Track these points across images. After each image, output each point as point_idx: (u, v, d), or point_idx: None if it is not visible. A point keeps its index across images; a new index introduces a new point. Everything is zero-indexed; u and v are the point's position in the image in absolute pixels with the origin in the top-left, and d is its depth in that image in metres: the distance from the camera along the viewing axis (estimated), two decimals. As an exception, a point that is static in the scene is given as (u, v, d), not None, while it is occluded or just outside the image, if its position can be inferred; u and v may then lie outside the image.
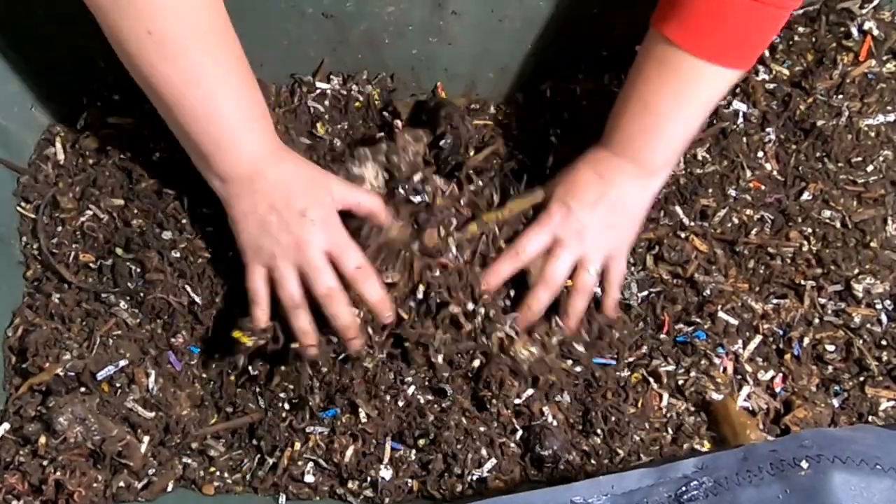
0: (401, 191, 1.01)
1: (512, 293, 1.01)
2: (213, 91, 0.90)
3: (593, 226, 0.98)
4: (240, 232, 0.96)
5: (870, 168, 1.06)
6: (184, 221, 1.04)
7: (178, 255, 1.02)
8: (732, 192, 1.07)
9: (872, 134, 1.07)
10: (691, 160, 1.09)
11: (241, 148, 0.93)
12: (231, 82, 0.91)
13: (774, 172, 1.08)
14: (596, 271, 0.99)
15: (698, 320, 1.00)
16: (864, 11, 1.11)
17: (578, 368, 1.00)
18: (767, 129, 1.09)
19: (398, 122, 1.12)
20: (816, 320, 1.00)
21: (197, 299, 1.01)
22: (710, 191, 1.07)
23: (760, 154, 1.09)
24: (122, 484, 0.92)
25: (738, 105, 1.10)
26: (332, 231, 0.95)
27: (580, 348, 1.00)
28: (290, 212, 0.93)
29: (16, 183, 1.06)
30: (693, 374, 0.98)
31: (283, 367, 0.99)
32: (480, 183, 1.06)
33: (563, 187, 1.01)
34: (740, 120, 1.10)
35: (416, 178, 1.02)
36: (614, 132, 0.99)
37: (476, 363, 0.97)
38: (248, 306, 0.96)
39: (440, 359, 0.97)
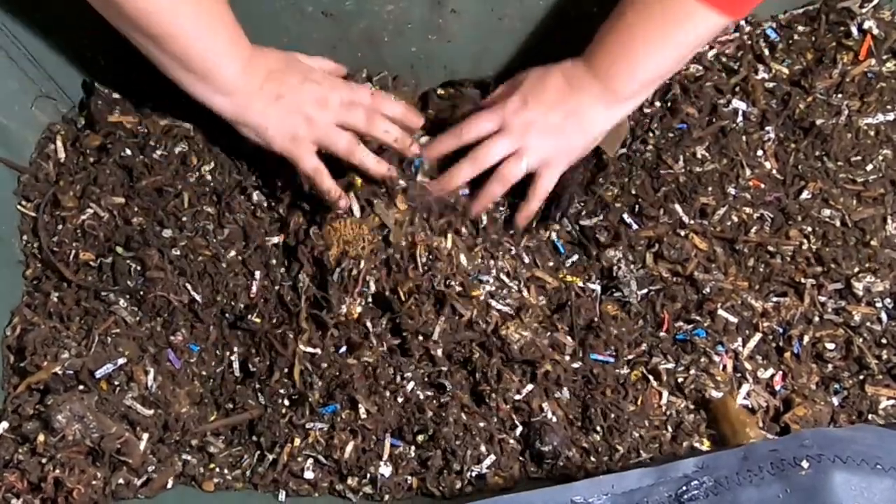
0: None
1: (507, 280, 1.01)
2: (197, 8, 0.93)
3: (542, 125, 1.01)
4: (269, 134, 1.00)
5: (869, 167, 1.06)
6: (184, 219, 1.04)
7: (178, 252, 1.02)
8: (732, 191, 1.07)
9: (872, 133, 1.07)
10: (691, 158, 1.09)
11: (235, 52, 0.98)
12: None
13: (774, 171, 1.08)
14: (525, 167, 1.02)
15: (698, 318, 1.01)
16: (863, 10, 1.11)
17: (576, 365, 1.00)
18: (767, 128, 1.09)
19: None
20: (816, 318, 1.00)
21: (197, 297, 1.01)
22: (710, 189, 1.07)
23: (760, 153, 1.09)
24: (121, 481, 0.92)
25: (738, 104, 1.10)
26: (332, 81, 1.04)
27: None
28: (296, 87, 1.00)
29: (16, 181, 1.06)
30: (693, 371, 0.98)
31: (282, 366, 1.00)
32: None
33: (529, 83, 1.03)
34: (740, 118, 1.10)
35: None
36: (595, 50, 1.01)
37: (476, 355, 0.98)
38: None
39: (439, 351, 0.97)
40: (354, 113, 1.02)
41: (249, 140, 1.02)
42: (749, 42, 1.15)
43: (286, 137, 1.00)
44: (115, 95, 1.12)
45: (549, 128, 1.01)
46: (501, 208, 1.10)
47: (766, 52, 1.14)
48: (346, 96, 1.03)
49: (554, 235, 1.09)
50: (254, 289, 1.03)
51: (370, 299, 1.00)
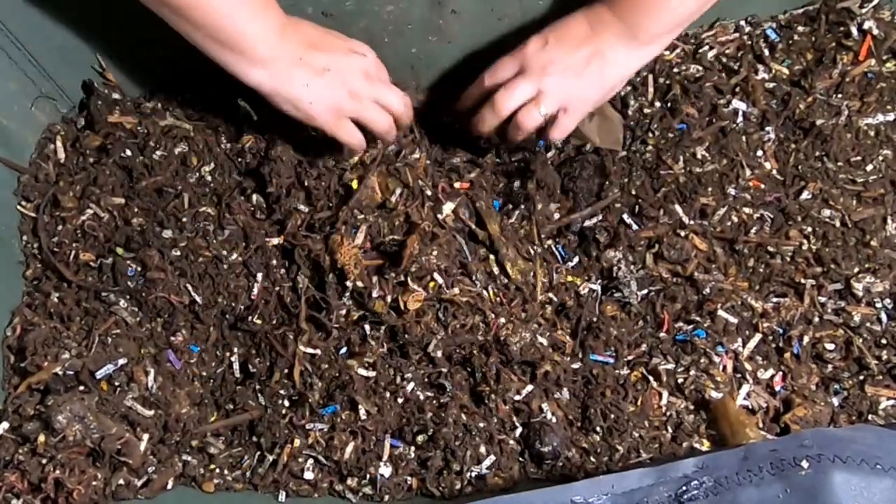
0: None
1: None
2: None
3: (562, 65, 0.99)
4: (313, 109, 0.97)
5: (869, 167, 1.07)
6: (184, 220, 1.04)
7: (178, 253, 1.02)
8: (732, 191, 1.07)
9: (872, 133, 1.07)
10: (691, 158, 1.09)
11: (268, 20, 0.94)
12: None
13: (774, 171, 1.08)
14: (545, 113, 1.01)
15: (698, 319, 1.01)
16: (863, 11, 1.11)
17: (576, 365, 1.00)
18: (767, 128, 1.09)
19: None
20: (816, 319, 1.00)
21: (197, 298, 1.02)
22: (710, 189, 1.07)
23: (760, 153, 1.09)
24: (121, 482, 0.92)
25: (738, 104, 1.10)
26: (374, 56, 1.03)
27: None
28: (342, 60, 0.98)
29: (16, 182, 1.06)
30: (692, 372, 0.98)
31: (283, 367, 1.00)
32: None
33: (550, 25, 1.02)
34: (740, 119, 1.10)
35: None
36: None
37: (475, 356, 0.98)
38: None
39: (439, 353, 0.98)
40: (393, 94, 1.02)
41: (287, 113, 0.99)
42: (749, 42, 1.15)
43: (331, 111, 0.98)
44: (115, 96, 1.12)
45: (569, 68, 0.99)
46: (502, 209, 1.10)
47: (766, 52, 1.14)
48: (385, 75, 1.03)
49: (552, 242, 1.09)
50: (255, 290, 1.03)
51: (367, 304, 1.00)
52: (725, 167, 1.08)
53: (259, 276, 1.04)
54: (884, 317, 0.99)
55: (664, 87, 1.13)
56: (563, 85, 1.00)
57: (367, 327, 0.99)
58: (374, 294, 0.98)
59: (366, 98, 1.00)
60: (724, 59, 1.14)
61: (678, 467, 0.75)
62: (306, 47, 0.96)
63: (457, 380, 0.99)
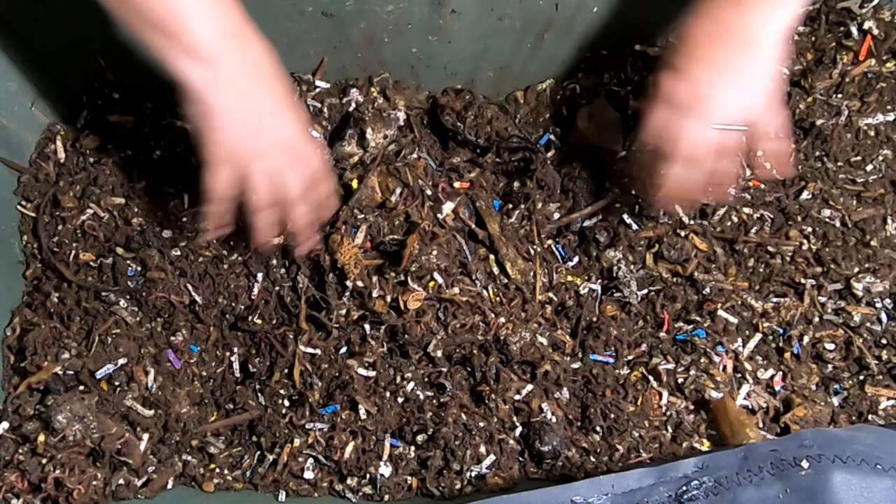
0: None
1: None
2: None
3: (713, 83, 0.89)
4: (217, 129, 0.85)
5: (869, 167, 1.06)
6: (184, 220, 1.04)
7: (178, 253, 1.02)
8: (732, 191, 1.07)
9: (872, 133, 1.07)
10: (690, 158, 1.09)
11: (217, 8, 0.82)
12: None
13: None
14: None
15: (698, 318, 1.01)
16: (863, 11, 1.11)
17: (576, 365, 1.00)
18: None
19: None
20: (816, 319, 1.00)
21: (197, 298, 1.02)
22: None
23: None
24: (121, 481, 0.92)
25: None
26: (310, 138, 0.95)
27: None
28: (279, 114, 0.89)
29: (16, 182, 1.06)
30: (693, 372, 0.98)
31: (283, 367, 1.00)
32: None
33: (673, 49, 0.93)
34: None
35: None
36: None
37: (475, 355, 0.98)
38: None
39: (439, 353, 0.98)
40: (292, 181, 0.92)
41: (185, 121, 0.90)
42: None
43: (228, 154, 0.87)
44: (115, 95, 1.12)
45: (725, 82, 0.89)
46: (502, 210, 1.10)
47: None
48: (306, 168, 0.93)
49: (552, 242, 1.09)
50: (255, 290, 1.03)
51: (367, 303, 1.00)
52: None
53: (259, 275, 1.04)
54: (884, 317, 0.99)
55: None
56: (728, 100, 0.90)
57: (367, 327, 0.99)
58: (374, 294, 0.98)
59: (266, 167, 0.90)
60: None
61: (678, 467, 0.75)
62: (255, 69, 0.86)
63: (457, 379, 0.99)
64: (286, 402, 0.99)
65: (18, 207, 1.05)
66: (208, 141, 0.87)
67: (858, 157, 1.07)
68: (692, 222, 1.05)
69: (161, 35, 0.82)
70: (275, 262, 1.05)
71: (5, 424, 0.92)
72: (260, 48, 0.87)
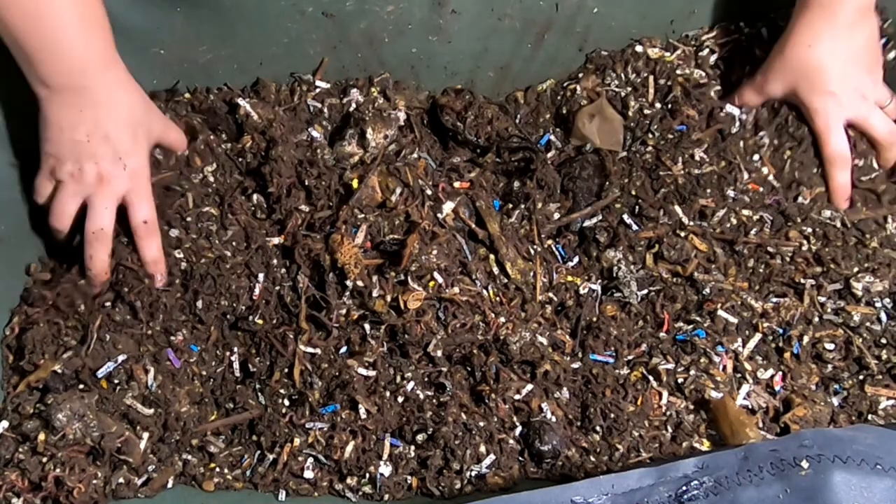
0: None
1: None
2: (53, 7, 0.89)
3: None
4: (48, 139, 0.96)
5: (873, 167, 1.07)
6: (189, 220, 1.04)
7: (181, 255, 1.02)
8: (731, 193, 1.07)
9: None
10: (689, 160, 1.09)
11: (71, 53, 0.92)
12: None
13: (770, 177, 1.09)
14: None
15: (698, 319, 1.01)
16: None
17: (576, 365, 1.00)
18: (761, 134, 1.10)
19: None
20: (816, 319, 1.00)
21: (198, 304, 1.02)
22: (709, 191, 1.07)
23: (756, 157, 1.09)
24: (121, 480, 0.92)
25: (731, 109, 1.10)
26: (137, 180, 0.98)
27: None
28: (107, 149, 0.95)
29: (17, 182, 1.06)
30: (692, 372, 0.98)
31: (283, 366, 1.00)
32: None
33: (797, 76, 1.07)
34: (736, 123, 1.10)
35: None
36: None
37: (475, 355, 0.98)
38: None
39: (439, 352, 0.98)
40: (100, 218, 0.98)
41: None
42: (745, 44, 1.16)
43: (54, 156, 0.97)
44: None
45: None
46: (502, 210, 1.10)
47: (759, 53, 1.14)
48: (128, 201, 0.99)
49: (552, 242, 1.09)
50: (256, 291, 1.03)
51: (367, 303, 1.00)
52: (723, 169, 1.08)
53: (261, 276, 1.04)
54: (883, 316, 0.99)
55: (665, 89, 1.14)
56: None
57: (367, 327, 0.99)
58: (374, 293, 0.98)
59: (69, 192, 0.98)
60: (722, 62, 1.15)
61: (678, 467, 0.75)
62: (87, 120, 0.95)
63: (457, 379, 0.99)
64: (286, 402, 0.99)
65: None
66: (42, 143, 0.97)
67: (858, 162, 1.07)
68: (692, 223, 1.06)
69: (21, 55, 0.92)
70: (275, 260, 1.05)
71: (5, 423, 0.92)
72: (115, 87, 0.96)
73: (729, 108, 1.10)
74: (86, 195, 0.97)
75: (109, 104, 0.95)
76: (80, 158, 0.95)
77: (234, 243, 1.05)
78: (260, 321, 1.02)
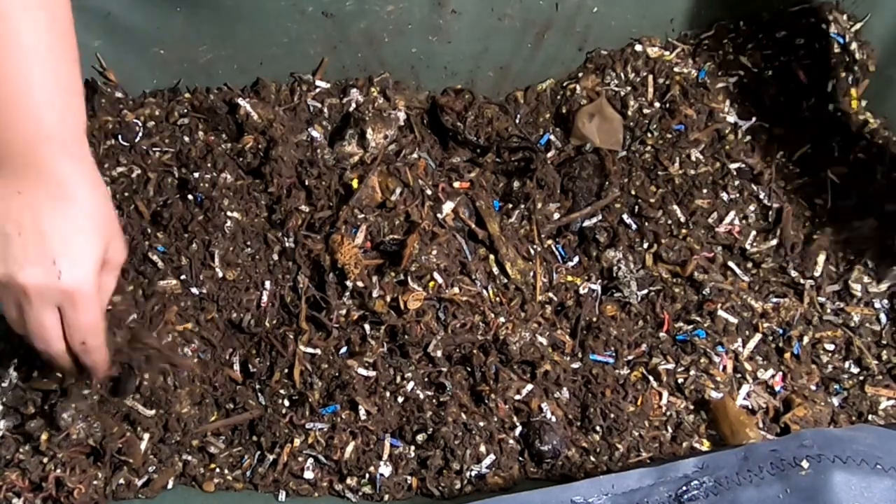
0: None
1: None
2: (23, 56, 0.72)
3: None
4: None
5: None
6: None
7: (183, 260, 1.02)
8: (724, 196, 1.07)
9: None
10: (686, 160, 1.09)
11: (28, 115, 0.73)
12: (47, 54, 0.74)
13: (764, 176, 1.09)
14: None
15: (698, 319, 1.01)
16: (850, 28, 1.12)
17: (576, 365, 1.00)
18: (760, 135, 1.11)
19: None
20: (816, 319, 1.00)
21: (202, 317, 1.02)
22: (705, 192, 1.07)
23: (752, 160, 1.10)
24: (122, 481, 0.92)
25: (726, 112, 1.11)
26: (78, 297, 0.78)
27: None
28: (39, 250, 0.75)
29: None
30: (693, 372, 0.98)
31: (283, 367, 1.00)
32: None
33: None
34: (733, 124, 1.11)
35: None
36: None
37: (475, 355, 0.98)
38: None
39: (439, 353, 0.98)
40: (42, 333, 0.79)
41: None
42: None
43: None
44: (118, 94, 1.12)
45: None
46: (502, 210, 1.10)
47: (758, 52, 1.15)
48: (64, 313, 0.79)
49: (552, 242, 1.09)
50: (264, 298, 1.03)
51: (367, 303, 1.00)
52: (718, 171, 1.08)
53: (267, 283, 1.04)
54: (883, 317, 0.99)
55: (663, 88, 1.14)
56: None
57: (367, 327, 0.99)
58: (374, 293, 0.98)
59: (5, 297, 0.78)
60: (719, 61, 1.15)
61: (678, 467, 0.75)
62: (30, 205, 0.74)
63: (456, 379, 0.99)
64: (286, 402, 0.99)
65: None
66: None
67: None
68: (692, 223, 1.06)
69: None
70: (276, 257, 1.05)
71: (7, 423, 0.92)
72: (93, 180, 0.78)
73: (726, 109, 1.11)
74: (17, 302, 0.78)
75: (61, 195, 0.75)
76: (5, 259, 0.75)
77: (235, 243, 1.04)
78: (261, 323, 1.02)
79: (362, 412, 0.96)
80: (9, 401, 0.93)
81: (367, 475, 0.95)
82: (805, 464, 0.71)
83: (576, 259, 1.08)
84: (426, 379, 0.99)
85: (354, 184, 1.05)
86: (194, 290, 1.01)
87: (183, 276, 1.02)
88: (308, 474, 0.96)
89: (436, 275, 0.98)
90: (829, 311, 1.01)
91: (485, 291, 1.01)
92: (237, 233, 1.05)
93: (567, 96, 1.17)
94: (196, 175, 1.07)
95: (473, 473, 0.94)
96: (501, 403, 0.97)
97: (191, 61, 1.11)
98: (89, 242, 0.76)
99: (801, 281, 1.02)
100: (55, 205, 0.74)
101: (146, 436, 0.94)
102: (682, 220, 1.06)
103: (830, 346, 0.99)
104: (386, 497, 0.95)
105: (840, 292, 1.01)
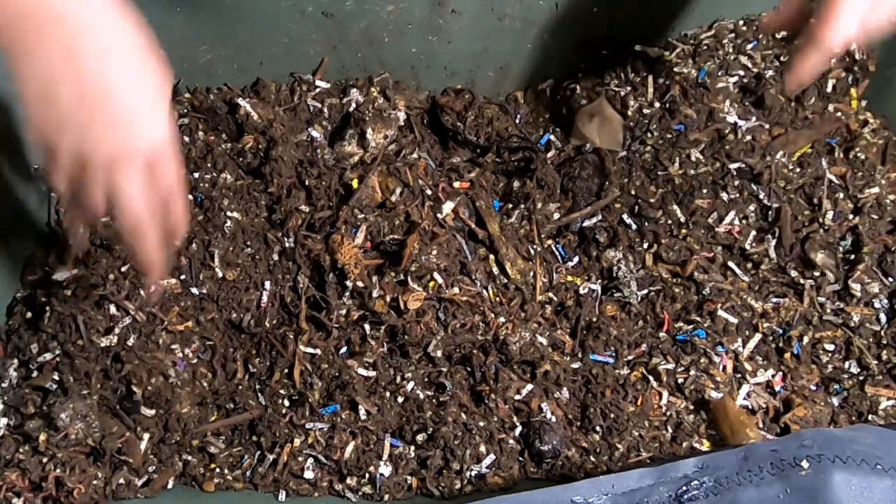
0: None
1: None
2: None
3: None
4: (26, 103, 0.66)
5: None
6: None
7: (183, 260, 1.03)
8: (724, 196, 1.07)
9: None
10: (686, 160, 1.09)
11: None
12: None
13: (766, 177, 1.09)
14: None
15: (698, 319, 1.01)
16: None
17: (576, 365, 1.00)
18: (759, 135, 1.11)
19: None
20: (816, 319, 1.00)
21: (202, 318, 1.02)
22: (705, 192, 1.07)
23: (751, 160, 1.10)
24: (122, 481, 0.92)
25: (726, 113, 1.11)
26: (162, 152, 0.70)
27: None
28: (109, 115, 0.65)
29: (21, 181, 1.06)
30: (693, 372, 0.98)
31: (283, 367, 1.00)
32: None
33: None
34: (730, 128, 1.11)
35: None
36: None
37: (475, 355, 0.98)
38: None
39: (439, 353, 0.98)
40: (134, 206, 0.71)
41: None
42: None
43: (42, 139, 0.67)
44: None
45: None
46: (502, 210, 1.10)
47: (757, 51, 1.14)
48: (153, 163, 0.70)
49: (552, 242, 1.09)
50: (264, 298, 1.03)
51: (367, 303, 1.00)
52: (717, 171, 1.08)
53: (267, 283, 1.04)
54: (883, 317, 0.99)
55: (663, 88, 1.14)
56: None
57: (367, 327, 0.99)
58: (374, 294, 0.98)
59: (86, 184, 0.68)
60: (719, 61, 1.15)
61: (678, 467, 0.75)
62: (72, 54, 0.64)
63: (456, 379, 0.99)
64: (286, 402, 0.99)
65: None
66: (27, 117, 0.67)
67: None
68: (691, 223, 1.06)
69: None
70: (276, 257, 1.05)
71: (6, 422, 0.92)
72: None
73: (725, 110, 1.11)
74: (106, 184, 0.69)
75: (107, 52, 0.65)
76: (77, 128, 0.65)
77: (236, 243, 1.04)
78: (261, 323, 1.02)
79: (362, 412, 0.96)
80: (9, 401, 0.93)
81: (367, 475, 0.95)
82: (805, 464, 0.71)
83: (576, 259, 1.08)
84: (426, 379, 0.99)
85: (354, 184, 1.06)
86: (194, 290, 1.01)
87: (183, 276, 1.02)
88: (308, 474, 0.96)
89: (436, 275, 0.98)
90: (828, 311, 1.01)
91: (485, 291, 1.01)
92: (237, 233, 1.05)
93: (567, 96, 1.17)
94: (196, 175, 1.07)
95: (473, 473, 0.94)
96: (501, 403, 0.97)
97: (191, 61, 1.11)
98: (157, 96, 0.69)
99: (801, 281, 1.02)
100: (106, 63, 0.66)
101: (146, 436, 0.94)
102: (682, 220, 1.06)
103: (830, 346, 0.99)
104: (386, 497, 0.95)
105: (840, 292, 1.01)
